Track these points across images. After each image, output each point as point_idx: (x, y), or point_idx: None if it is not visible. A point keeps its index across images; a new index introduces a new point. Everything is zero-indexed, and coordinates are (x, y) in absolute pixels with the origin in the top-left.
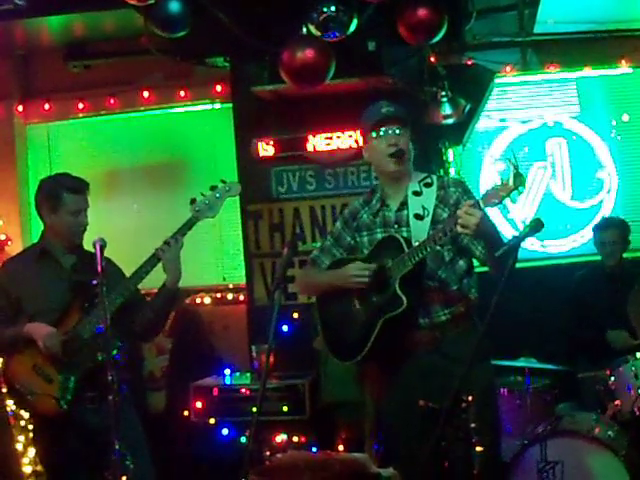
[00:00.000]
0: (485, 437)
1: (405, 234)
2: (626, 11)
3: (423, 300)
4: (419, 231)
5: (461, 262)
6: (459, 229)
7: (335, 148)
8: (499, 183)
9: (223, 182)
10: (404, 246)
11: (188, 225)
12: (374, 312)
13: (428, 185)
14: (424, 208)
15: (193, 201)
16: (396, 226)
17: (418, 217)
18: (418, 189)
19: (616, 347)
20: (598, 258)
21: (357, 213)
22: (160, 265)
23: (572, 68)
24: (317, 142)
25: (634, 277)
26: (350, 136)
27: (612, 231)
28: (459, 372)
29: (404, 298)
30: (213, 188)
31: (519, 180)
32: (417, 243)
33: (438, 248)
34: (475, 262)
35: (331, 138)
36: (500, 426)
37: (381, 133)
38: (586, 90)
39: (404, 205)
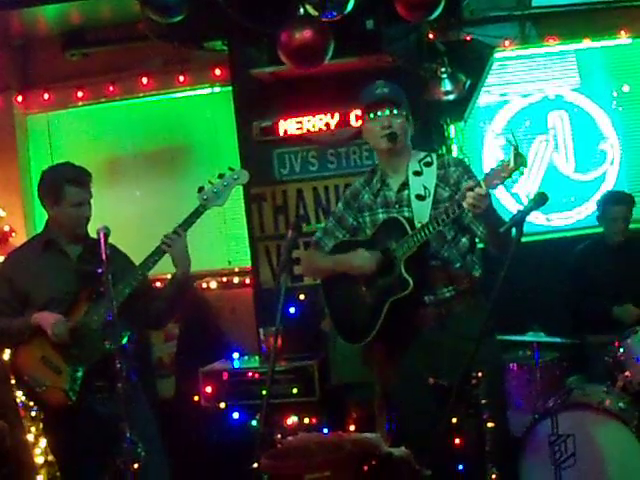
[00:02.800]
0: (500, 414)
1: (406, 214)
2: None
3: (427, 279)
4: (421, 211)
5: (463, 240)
6: (472, 209)
7: (336, 128)
8: (500, 163)
9: (231, 170)
10: (407, 228)
11: (196, 214)
12: (380, 294)
13: (428, 164)
14: (425, 188)
15: (201, 189)
16: (397, 206)
17: (419, 197)
18: (418, 169)
19: (625, 322)
20: (600, 230)
21: (358, 194)
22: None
23: (571, 40)
24: (317, 123)
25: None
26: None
27: (623, 207)
28: (466, 348)
29: (410, 280)
30: (221, 176)
31: (520, 160)
32: (420, 224)
33: (440, 228)
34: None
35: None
36: (506, 402)
37: (374, 115)
38: (586, 62)
39: (405, 185)
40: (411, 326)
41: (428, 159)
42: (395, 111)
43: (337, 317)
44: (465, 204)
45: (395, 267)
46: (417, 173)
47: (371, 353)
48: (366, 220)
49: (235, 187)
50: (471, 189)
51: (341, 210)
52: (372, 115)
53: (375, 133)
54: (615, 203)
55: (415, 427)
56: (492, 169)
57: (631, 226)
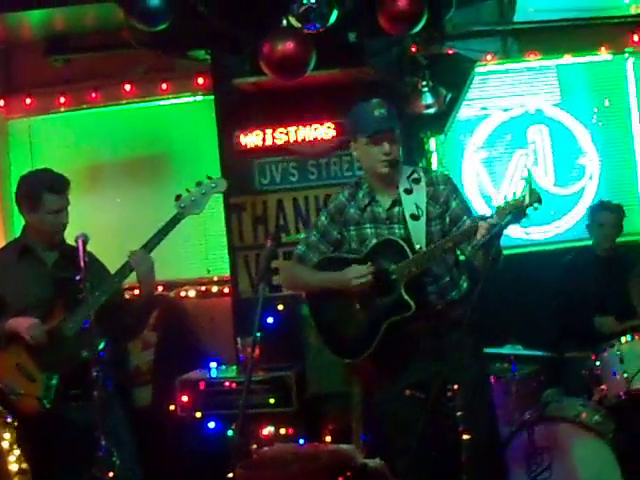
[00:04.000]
0: (479, 426)
1: (397, 231)
2: None
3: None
4: (417, 231)
5: (449, 255)
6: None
7: (317, 139)
8: (514, 198)
9: (209, 178)
10: (407, 249)
11: (173, 222)
12: (378, 314)
13: (416, 181)
14: (417, 207)
15: (178, 197)
16: (387, 222)
17: (414, 217)
18: (408, 186)
19: (604, 332)
20: (581, 244)
21: (343, 208)
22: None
23: (552, 56)
24: (298, 134)
25: (628, 261)
26: (330, 127)
27: (611, 213)
28: (453, 359)
29: (412, 302)
30: (199, 184)
31: (535, 196)
32: (420, 248)
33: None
34: None
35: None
36: (495, 414)
37: (375, 142)
38: (567, 77)
39: (396, 203)
40: (406, 340)
41: (415, 175)
42: (394, 137)
43: (326, 333)
44: (478, 235)
45: (395, 288)
46: (408, 191)
47: (359, 366)
48: (352, 234)
49: (213, 196)
50: (484, 219)
51: (324, 224)
52: (373, 142)
53: (374, 157)
54: (604, 209)
55: (401, 437)
56: (506, 202)
57: (620, 239)
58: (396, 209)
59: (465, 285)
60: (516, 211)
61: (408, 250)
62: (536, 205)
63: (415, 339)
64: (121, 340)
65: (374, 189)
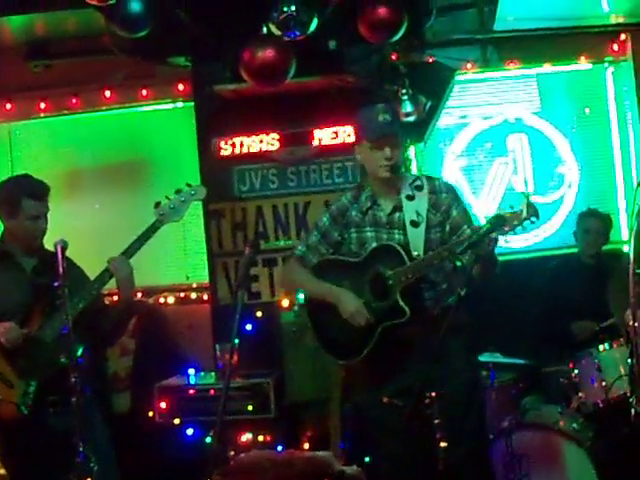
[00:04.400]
0: (465, 432)
1: (397, 236)
2: (584, 8)
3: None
4: (415, 238)
5: (446, 263)
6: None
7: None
8: (512, 212)
9: (188, 186)
10: (404, 255)
11: (152, 229)
12: (374, 318)
13: (419, 188)
14: (418, 214)
15: (157, 205)
16: (388, 227)
17: (414, 224)
18: (410, 193)
19: (581, 337)
20: (561, 252)
21: (346, 210)
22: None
23: (532, 64)
24: (278, 141)
25: (611, 269)
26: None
27: (598, 220)
28: (447, 365)
29: (407, 308)
30: (178, 192)
31: (531, 210)
32: (418, 255)
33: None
34: None
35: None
36: (484, 421)
37: (378, 147)
38: (547, 86)
39: (397, 208)
40: (401, 344)
41: (418, 182)
42: (397, 142)
43: (323, 334)
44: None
45: (391, 294)
46: (410, 197)
47: (351, 369)
48: (352, 236)
49: (192, 203)
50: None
51: (326, 225)
52: (376, 147)
53: (376, 162)
54: (590, 216)
55: (388, 443)
56: (503, 214)
57: (606, 247)
58: (397, 214)
59: (462, 292)
60: (514, 224)
61: (405, 257)
62: (533, 219)
63: (410, 343)
64: (100, 346)
65: (376, 193)
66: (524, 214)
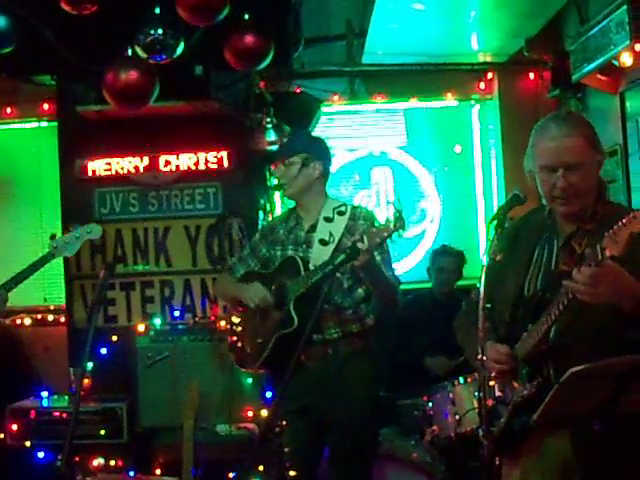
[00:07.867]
0: (352, 456)
1: (303, 253)
2: (453, 45)
3: (318, 319)
4: (319, 255)
5: (359, 290)
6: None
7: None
8: (380, 224)
9: (82, 225)
10: (301, 268)
11: (43, 261)
12: (271, 327)
13: (341, 213)
14: (331, 234)
15: (53, 237)
16: (304, 246)
17: (323, 242)
18: (330, 215)
19: (435, 372)
20: (419, 286)
21: (275, 227)
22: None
23: (399, 99)
24: (140, 164)
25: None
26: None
27: (451, 259)
28: (345, 389)
29: (295, 318)
30: (74, 228)
31: (400, 223)
32: (313, 267)
33: (338, 275)
34: None
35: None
36: (375, 444)
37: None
38: (413, 121)
39: (314, 227)
40: (297, 361)
41: (342, 209)
42: (286, 162)
43: (234, 341)
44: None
45: (285, 304)
46: (328, 219)
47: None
48: (277, 254)
49: (85, 239)
50: (355, 243)
51: (256, 240)
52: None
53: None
54: (443, 254)
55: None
56: (375, 228)
57: (460, 283)
58: (311, 233)
59: (370, 320)
60: (384, 236)
61: (302, 267)
62: (401, 232)
63: (306, 362)
64: None
65: (300, 213)
66: (391, 226)
